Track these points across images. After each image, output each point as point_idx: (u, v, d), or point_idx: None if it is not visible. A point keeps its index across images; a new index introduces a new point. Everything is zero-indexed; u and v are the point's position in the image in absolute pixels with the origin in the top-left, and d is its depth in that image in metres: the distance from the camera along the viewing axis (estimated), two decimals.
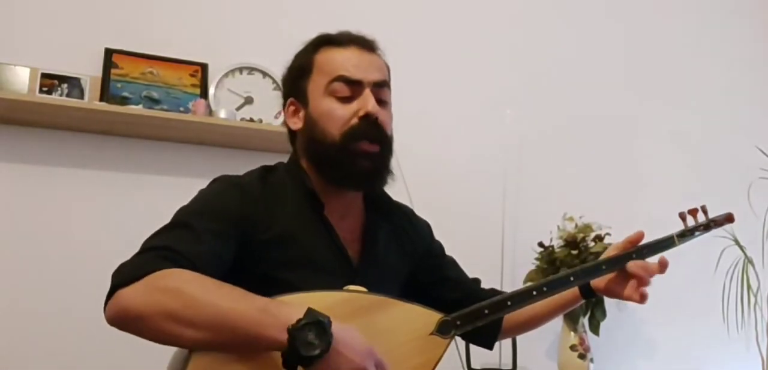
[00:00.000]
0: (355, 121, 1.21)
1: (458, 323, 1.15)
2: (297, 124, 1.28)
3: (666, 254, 1.35)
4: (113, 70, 2.03)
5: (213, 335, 0.97)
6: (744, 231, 2.37)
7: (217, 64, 2.14)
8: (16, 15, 2.01)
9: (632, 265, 1.29)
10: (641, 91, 2.71)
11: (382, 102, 1.25)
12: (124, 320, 1.00)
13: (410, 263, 1.39)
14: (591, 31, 2.69)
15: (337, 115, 1.22)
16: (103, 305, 1.03)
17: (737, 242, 2.38)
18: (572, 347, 2.19)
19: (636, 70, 2.72)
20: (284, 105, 1.32)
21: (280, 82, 2.15)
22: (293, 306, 0.97)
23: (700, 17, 2.86)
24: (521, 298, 1.23)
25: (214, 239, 1.10)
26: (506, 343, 2.12)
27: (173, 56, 2.11)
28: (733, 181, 2.59)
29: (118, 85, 2.03)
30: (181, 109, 2.05)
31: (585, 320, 2.24)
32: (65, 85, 1.97)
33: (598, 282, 1.35)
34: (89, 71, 2.02)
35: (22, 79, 1.93)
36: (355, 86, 1.23)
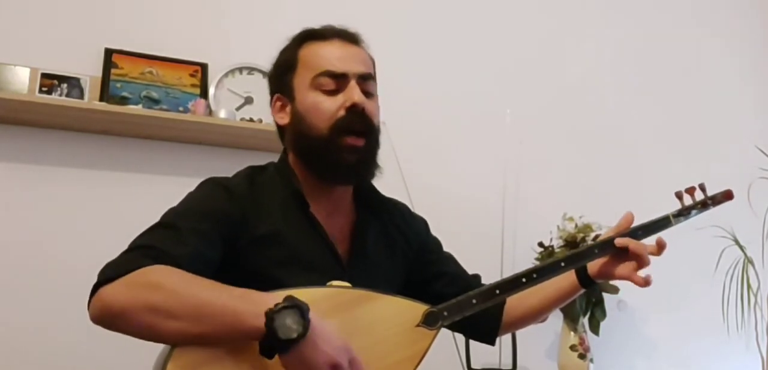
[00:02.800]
0: (341, 113, 1.21)
1: (445, 313, 1.14)
2: (284, 119, 1.29)
3: (665, 234, 1.31)
4: (113, 70, 2.03)
5: (193, 326, 0.97)
6: (744, 231, 2.38)
7: (217, 64, 2.14)
8: (16, 15, 2.01)
9: (619, 241, 1.25)
10: (641, 91, 2.71)
11: (367, 94, 1.25)
12: (106, 317, 1.01)
13: (404, 259, 1.38)
14: (591, 32, 2.69)
15: (323, 108, 1.22)
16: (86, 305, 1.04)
17: (737, 242, 2.38)
18: (572, 347, 2.19)
19: (636, 70, 2.72)
20: (271, 101, 1.32)
21: None
22: (272, 294, 0.98)
23: (700, 17, 2.86)
24: (510, 285, 1.21)
25: (199, 239, 1.10)
26: (506, 343, 2.12)
27: (173, 56, 2.10)
28: (733, 182, 2.57)
29: (118, 85, 2.03)
30: (181, 109, 2.05)
31: (585, 320, 2.24)
32: (65, 85, 1.97)
33: (592, 267, 1.32)
34: (89, 71, 2.02)
35: (22, 79, 1.93)
36: (340, 79, 1.23)
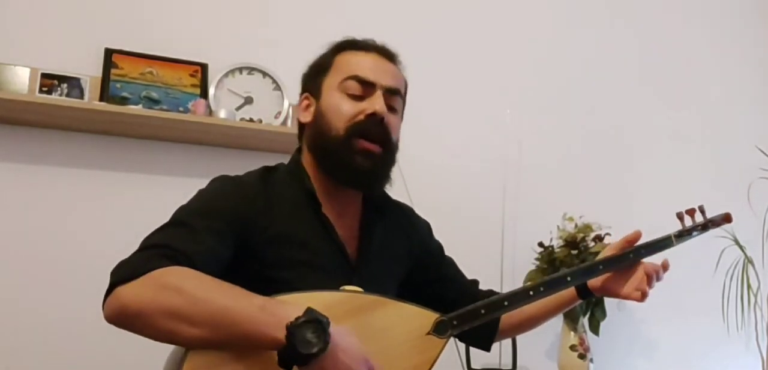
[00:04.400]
0: (360, 117, 1.23)
1: (455, 322, 1.16)
2: (307, 117, 1.31)
3: (665, 253, 1.36)
4: (113, 70, 2.03)
5: (211, 333, 0.97)
6: (744, 231, 2.37)
7: (217, 64, 2.14)
8: (16, 15, 2.01)
9: (649, 266, 1.34)
10: (641, 90, 2.71)
11: (391, 108, 1.27)
12: (123, 318, 1.00)
13: (408, 260, 1.40)
14: (591, 32, 2.68)
15: (344, 110, 1.24)
16: (101, 304, 1.03)
17: (737, 242, 2.38)
18: (572, 347, 2.19)
19: (636, 70, 2.72)
20: (300, 101, 1.34)
21: (280, 83, 2.17)
22: (292, 305, 0.97)
23: (701, 18, 2.86)
24: (518, 298, 1.24)
25: (213, 237, 1.10)
26: (506, 343, 2.12)
27: (173, 56, 2.10)
28: (733, 181, 2.59)
29: (118, 85, 2.03)
30: (181, 109, 2.05)
31: (585, 320, 2.24)
32: (65, 85, 1.97)
33: (595, 282, 1.36)
34: (89, 71, 2.02)
35: (22, 79, 1.93)
36: (367, 87, 1.25)
